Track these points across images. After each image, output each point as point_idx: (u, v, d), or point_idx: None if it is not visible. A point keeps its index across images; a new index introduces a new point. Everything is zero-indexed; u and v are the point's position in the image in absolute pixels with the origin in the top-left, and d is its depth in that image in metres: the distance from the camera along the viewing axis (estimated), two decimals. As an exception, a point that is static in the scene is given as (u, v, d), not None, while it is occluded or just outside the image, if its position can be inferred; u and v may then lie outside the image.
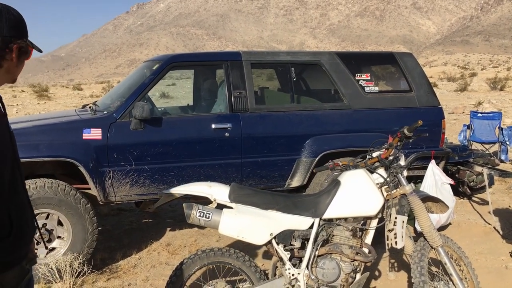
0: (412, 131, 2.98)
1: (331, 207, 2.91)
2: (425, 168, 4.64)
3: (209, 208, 2.91)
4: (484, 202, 6.03)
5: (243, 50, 4.65)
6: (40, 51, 1.62)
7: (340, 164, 3.13)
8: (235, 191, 2.96)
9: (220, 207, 2.92)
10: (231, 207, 2.93)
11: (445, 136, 5.15)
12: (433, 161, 4.59)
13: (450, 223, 5.03)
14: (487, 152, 7.07)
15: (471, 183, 5.79)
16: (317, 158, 4.47)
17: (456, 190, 5.50)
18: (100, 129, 3.95)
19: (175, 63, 4.34)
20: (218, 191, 2.99)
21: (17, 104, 23.41)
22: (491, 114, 8.17)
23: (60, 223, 3.91)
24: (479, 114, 8.25)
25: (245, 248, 4.09)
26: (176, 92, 25.92)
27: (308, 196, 3.02)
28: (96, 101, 4.79)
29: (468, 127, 8.26)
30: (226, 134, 4.27)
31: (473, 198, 6.22)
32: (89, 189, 4.04)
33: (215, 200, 2.96)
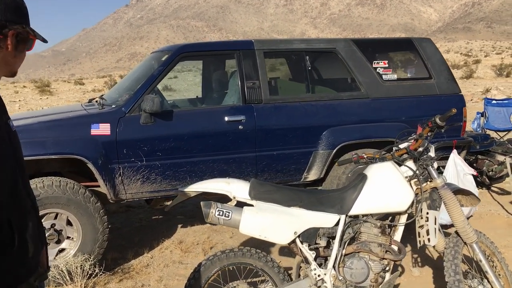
0: (445, 120, 2.79)
1: (358, 203, 2.73)
2: (446, 158, 4.45)
3: (229, 206, 2.74)
4: (504, 192, 5.84)
5: (255, 38, 4.44)
6: (45, 41, 1.46)
7: (365, 156, 2.95)
8: (256, 187, 2.78)
9: (240, 205, 2.75)
10: (251, 205, 2.75)
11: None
12: (454, 151, 4.41)
13: (471, 215, 4.85)
14: (502, 140, 6.87)
15: (490, 173, 5.61)
16: (335, 150, 4.29)
17: (475, 180, 5.32)
18: (109, 124, 3.77)
19: (185, 53, 4.14)
20: (237, 188, 2.81)
21: (19, 100, 23.25)
22: (506, 101, 7.93)
23: (69, 223, 3.75)
24: (494, 102, 8.02)
25: (261, 245, 3.93)
26: (179, 85, 25.70)
27: (333, 191, 2.84)
28: (102, 95, 4.60)
29: (482, 114, 8.04)
30: (239, 126, 4.09)
31: (492, 188, 6.04)
32: (98, 186, 3.87)
33: (234, 198, 2.79)
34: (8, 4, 1.30)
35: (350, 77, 4.53)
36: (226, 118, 4.06)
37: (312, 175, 4.39)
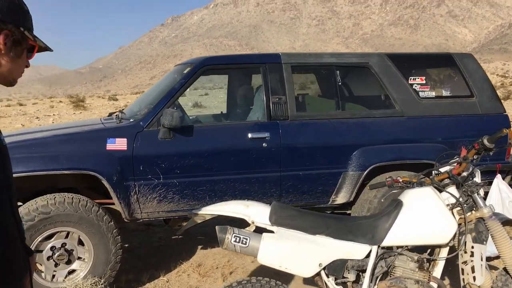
0: (494, 141, 2.47)
1: (392, 233, 2.42)
2: (489, 183, 4.07)
3: (247, 232, 2.48)
4: (552, 222, 5.35)
5: (283, 52, 4.21)
6: (49, 49, 1.37)
7: (400, 180, 2.64)
8: (277, 211, 2.51)
9: (259, 230, 2.48)
10: (272, 231, 2.48)
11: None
12: (498, 176, 4.02)
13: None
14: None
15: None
16: (366, 172, 3.98)
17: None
18: (125, 139, 3.58)
19: (208, 66, 3.94)
20: (257, 212, 2.55)
21: (54, 114, 23.74)
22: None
23: (81, 243, 3.54)
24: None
25: (284, 274, 3.62)
26: (209, 102, 25.76)
27: (364, 218, 2.54)
28: (123, 109, 4.44)
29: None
30: (263, 144, 3.83)
31: (538, 217, 5.55)
32: (113, 204, 3.67)
33: (253, 223, 2.53)
34: (3, 2, 1.21)
35: (384, 94, 4.22)
36: (250, 135, 3.82)
37: (341, 198, 4.08)
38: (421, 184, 2.58)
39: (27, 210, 3.31)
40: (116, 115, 4.13)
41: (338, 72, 4.19)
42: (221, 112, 5.38)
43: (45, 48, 1.34)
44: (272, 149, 3.86)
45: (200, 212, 2.65)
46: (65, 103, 36.66)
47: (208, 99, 27.61)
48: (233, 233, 2.45)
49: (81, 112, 26.20)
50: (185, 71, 3.96)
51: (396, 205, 2.50)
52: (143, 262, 4.46)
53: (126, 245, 4.96)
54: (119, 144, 3.55)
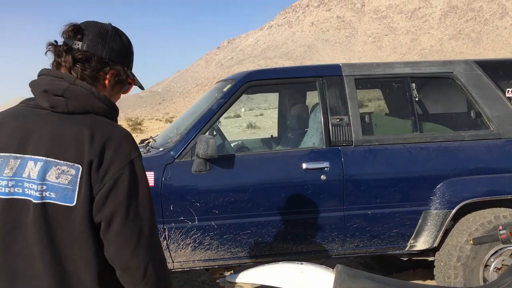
0: None
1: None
2: None
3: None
4: None
5: (344, 62, 3.46)
6: (142, 88, 1.51)
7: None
8: (345, 282, 1.75)
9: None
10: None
11: None
12: None
13: None
14: None
15: None
16: (454, 210, 3.13)
17: None
18: (153, 173, 2.94)
19: (252, 81, 3.24)
20: (315, 282, 1.80)
21: (111, 138, 24.05)
22: None
23: None
24: None
25: None
26: (264, 123, 25.21)
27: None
28: (158, 135, 3.84)
29: None
30: (322, 176, 3.08)
31: None
32: None
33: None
34: (116, 45, 1.33)
35: (475, 111, 3.36)
36: (304, 165, 3.08)
37: (422, 243, 3.23)
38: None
39: None
40: (146, 143, 3.51)
41: (413, 84, 3.38)
42: (271, 135, 4.66)
43: (139, 86, 1.48)
44: (333, 183, 3.10)
45: (236, 280, 1.93)
46: (124, 125, 37.50)
47: (263, 120, 27.06)
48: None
49: (137, 135, 26.44)
50: (224, 89, 3.30)
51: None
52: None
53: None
54: None
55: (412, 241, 3.25)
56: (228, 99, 3.16)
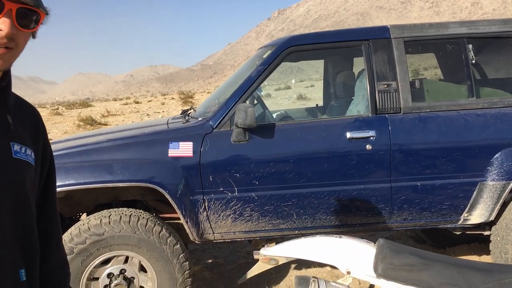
0: None
1: None
2: None
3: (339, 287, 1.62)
4: None
5: (393, 24, 3.21)
6: (46, 13, 1.06)
7: None
8: (387, 257, 1.63)
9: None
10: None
11: None
12: None
13: None
14: None
15: None
16: (513, 182, 2.88)
17: None
18: (191, 143, 2.89)
19: (293, 47, 3.08)
20: (355, 257, 1.68)
21: (163, 111, 24.52)
22: None
23: (143, 269, 2.94)
24: None
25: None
26: (315, 94, 24.76)
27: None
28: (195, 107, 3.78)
29: None
30: (367, 146, 2.92)
31: None
32: None
33: (349, 273, 1.67)
34: None
35: (540, 73, 3.05)
36: (348, 135, 2.92)
37: (476, 217, 3.02)
38: None
39: (78, 230, 2.78)
40: (189, 113, 3.46)
41: (470, 46, 3.10)
42: (316, 105, 4.50)
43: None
44: (380, 152, 2.93)
45: (271, 254, 1.85)
46: (176, 99, 38.09)
47: (314, 91, 26.58)
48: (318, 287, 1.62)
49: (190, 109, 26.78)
50: (265, 55, 3.16)
51: None
52: (227, 285, 3.78)
53: (209, 261, 4.35)
54: (184, 149, 2.87)
55: (466, 214, 3.04)
56: (268, 66, 3.03)
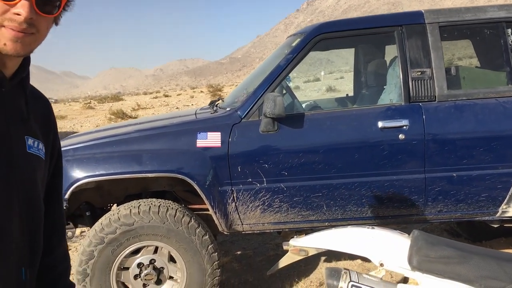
0: None
1: None
2: None
3: (372, 280, 1.57)
4: None
5: (427, 9, 3.09)
6: None
7: None
8: (422, 249, 1.56)
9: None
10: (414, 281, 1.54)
11: None
12: None
13: None
14: None
15: None
16: (556, 173, 2.74)
17: None
18: (219, 133, 2.86)
19: (323, 34, 3.01)
20: (388, 248, 1.62)
21: (192, 104, 24.68)
22: None
23: (172, 259, 2.94)
24: None
25: None
26: (344, 86, 24.44)
27: None
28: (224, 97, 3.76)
29: None
30: (400, 135, 2.83)
31: None
32: None
33: (382, 265, 1.61)
34: None
35: None
36: (380, 124, 2.83)
37: (516, 209, 2.89)
38: None
39: (108, 220, 2.80)
40: (214, 104, 3.44)
41: (509, 31, 2.96)
42: (347, 95, 4.40)
43: None
44: (413, 142, 2.83)
45: (301, 244, 1.80)
46: (205, 92, 38.33)
47: (344, 83, 26.26)
48: (350, 280, 1.58)
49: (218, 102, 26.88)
50: (293, 44, 3.10)
51: None
52: (255, 277, 3.76)
53: (238, 253, 4.34)
54: (212, 139, 2.85)
55: (504, 207, 2.92)
56: (297, 54, 2.97)
